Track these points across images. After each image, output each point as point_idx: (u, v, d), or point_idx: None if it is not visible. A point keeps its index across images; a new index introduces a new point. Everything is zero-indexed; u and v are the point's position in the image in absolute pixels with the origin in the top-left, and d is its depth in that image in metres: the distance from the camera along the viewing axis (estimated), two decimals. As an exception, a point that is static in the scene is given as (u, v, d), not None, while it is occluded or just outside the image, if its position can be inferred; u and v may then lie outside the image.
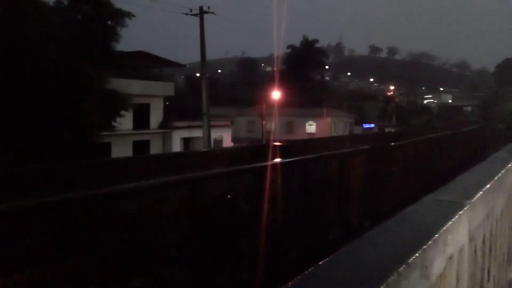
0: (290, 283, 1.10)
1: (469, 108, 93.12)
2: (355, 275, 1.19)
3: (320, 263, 1.24)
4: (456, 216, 1.80)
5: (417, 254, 1.34)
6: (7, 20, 14.92)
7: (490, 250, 2.86)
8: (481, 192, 2.31)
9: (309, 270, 1.18)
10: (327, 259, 1.27)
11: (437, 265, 1.57)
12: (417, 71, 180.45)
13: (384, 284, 1.12)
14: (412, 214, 1.81)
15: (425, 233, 1.53)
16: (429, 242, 1.46)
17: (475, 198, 2.16)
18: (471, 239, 2.17)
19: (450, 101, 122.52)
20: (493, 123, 60.31)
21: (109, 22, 20.68)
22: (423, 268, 1.41)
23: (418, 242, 1.43)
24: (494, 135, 53.41)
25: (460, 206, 1.93)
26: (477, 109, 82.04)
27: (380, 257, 1.32)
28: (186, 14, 24.92)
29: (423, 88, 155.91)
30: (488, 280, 2.81)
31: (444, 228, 1.62)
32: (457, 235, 1.83)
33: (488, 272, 2.82)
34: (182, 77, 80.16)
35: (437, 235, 1.55)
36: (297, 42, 66.85)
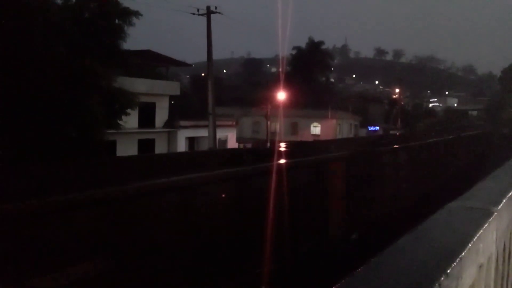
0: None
1: (475, 112, 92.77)
2: (393, 285, 1.15)
3: (355, 271, 1.20)
4: (486, 224, 1.75)
5: (454, 264, 1.30)
6: (14, 17, 14.95)
7: (509, 258, 2.82)
8: (505, 200, 2.27)
9: (344, 280, 1.14)
10: (362, 267, 1.23)
11: (469, 275, 1.53)
12: (423, 75, 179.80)
13: (428, 296, 1.08)
14: (442, 221, 1.77)
15: (459, 241, 1.48)
16: (464, 251, 1.42)
17: (501, 206, 2.12)
18: (497, 247, 2.12)
19: (455, 105, 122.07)
20: (498, 127, 60.04)
21: (116, 21, 20.70)
22: (459, 278, 1.36)
23: (454, 250, 1.39)
24: (499, 139, 53.17)
25: (489, 214, 1.89)
26: (483, 114, 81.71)
27: (418, 265, 1.28)
28: (193, 14, 24.92)
29: (429, 91, 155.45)
30: (508, 288, 2.76)
31: (477, 236, 1.58)
32: (487, 243, 1.79)
33: (507, 281, 2.78)
34: (188, 76, 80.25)
35: (470, 244, 1.50)
36: (302, 43, 66.80)
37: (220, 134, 30.65)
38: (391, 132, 52.08)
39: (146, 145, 28.24)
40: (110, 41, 20.22)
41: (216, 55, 27.66)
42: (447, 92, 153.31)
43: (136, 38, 23.77)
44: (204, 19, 24.72)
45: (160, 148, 29.92)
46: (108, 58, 19.43)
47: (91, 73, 17.20)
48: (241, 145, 37.30)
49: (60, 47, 16.69)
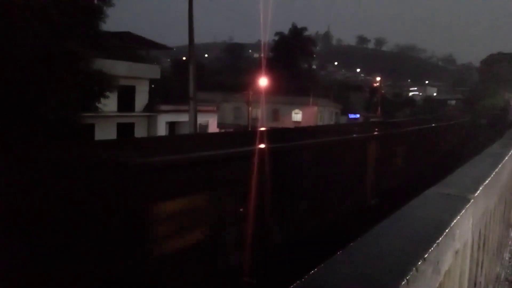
0: (303, 278, 1.05)
1: (453, 102, 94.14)
2: (372, 269, 1.14)
3: (334, 255, 1.19)
4: (463, 211, 1.77)
5: (431, 249, 1.31)
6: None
7: (484, 245, 2.87)
8: (482, 187, 2.30)
9: (324, 263, 1.14)
10: (341, 251, 1.22)
11: (446, 260, 1.54)
12: (404, 64, 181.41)
13: (405, 280, 1.07)
14: (420, 208, 1.78)
15: (437, 227, 1.49)
16: (441, 237, 1.43)
17: (477, 193, 2.14)
18: (473, 233, 2.15)
19: (435, 94, 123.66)
20: (476, 117, 61.12)
21: (95, 1, 20.24)
22: (435, 263, 1.37)
23: (431, 236, 1.40)
24: (477, 129, 54.18)
25: (466, 201, 1.91)
26: (461, 103, 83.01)
27: (396, 250, 1.28)
28: (176, -4, 24.50)
29: (409, 80, 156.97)
30: (481, 274, 2.82)
31: (454, 222, 1.59)
32: (464, 230, 1.81)
33: (481, 267, 2.83)
34: (169, 60, 79.18)
35: (447, 230, 1.51)
36: (285, 29, 66.50)
37: (201, 119, 30.43)
38: (372, 120, 52.56)
39: (125, 129, 27.88)
40: (89, 22, 19.76)
41: (197, 39, 27.33)
42: (427, 82, 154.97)
43: (116, 20, 23.29)
44: (185, 2, 24.32)
45: (140, 132, 29.60)
46: (87, 40, 19.02)
47: (70, 54, 16.83)
48: (222, 131, 37.18)
49: (38, 27, 16.26)
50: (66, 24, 18.02)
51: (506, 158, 3.81)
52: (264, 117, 42.79)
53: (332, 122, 51.14)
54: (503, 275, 4.15)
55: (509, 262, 4.59)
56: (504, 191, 3.79)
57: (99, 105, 20.18)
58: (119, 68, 25.75)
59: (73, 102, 16.90)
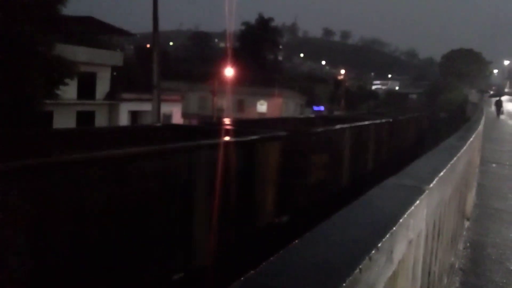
0: (259, 267, 1.04)
1: (414, 96, 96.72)
2: (326, 259, 1.14)
3: (289, 245, 1.18)
4: (418, 201, 1.79)
5: (385, 239, 1.31)
6: None
7: (438, 235, 2.94)
8: (437, 178, 2.35)
9: (279, 253, 1.13)
10: (296, 241, 1.22)
11: (399, 250, 1.56)
12: (368, 57, 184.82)
13: (358, 269, 1.08)
14: (377, 198, 1.79)
15: (391, 217, 1.50)
16: (395, 227, 1.44)
17: (432, 184, 2.18)
18: (427, 224, 2.19)
19: (397, 88, 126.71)
20: (436, 111, 63.01)
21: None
22: (389, 252, 1.39)
23: (385, 226, 1.41)
24: (436, 123, 55.86)
25: (420, 191, 1.94)
26: (422, 97, 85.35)
27: (351, 239, 1.28)
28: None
29: (373, 73, 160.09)
30: (435, 264, 2.89)
31: (408, 212, 1.61)
32: (417, 220, 1.83)
33: (436, 256, 2.90)
34: (132, 47, 77.61)
35: (401, 220, 1.53)
36: (252, 19, 66.34)
37: (165, 109, 30.00)
38: (335, 113, 53.32)
39: (85, 118, 27.20)
40: (49, 5, 19.03)
41: (162, 26, 26.80)
42: (389, 75, 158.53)
43: (77, 4, 22.54)
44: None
45: (101, 121, 28.94)
46: (46, 24, 18.33)
47: (28, 39, 16.21)
48: (186, 121, 36.82)
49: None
50: (25, 7, 17.31)
51: (462, 150, 3.92)
52: (229, 107, 42.66)
53: (296, 114, 51.54)
54: (457, 264, 4.29)
55: (463, 252, 4.75)
56: (459, 182, 3.91)
57: (59, 92, 19.56)
58: (79, 54, 25.03)
59: (31, 88, 16.31)
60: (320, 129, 14.15)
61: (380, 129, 20.17)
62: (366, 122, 18.47)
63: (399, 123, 26.47)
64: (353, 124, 16.75)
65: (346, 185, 15.04)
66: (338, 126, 15.30)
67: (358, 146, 16.52)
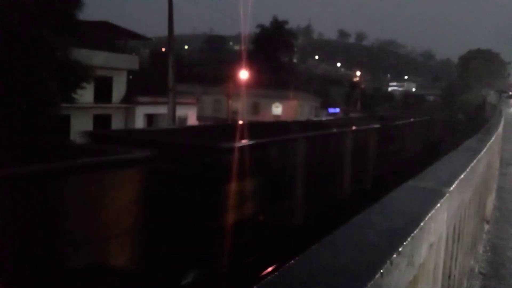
0: (279, 270, 1.04)
1: (432, 97, 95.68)
2: (347, 262, 1.13)
3: (310, 248, 1.17)
4: (438, 204, 1.77)
5: (406, 242, 1.29)
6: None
7: (459, 238, 2.89)
8: (457, 181, 2.31)
9: (300, 255, 1.12)
10: (316, 244, 1.21)
11: (420, 253, 1.53)
12: (384, 58, 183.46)
13: (379, 273, 1.06)
14: (396, 201, 1.77)
15: (412, 220, 1.48)
16: (416, 230, 1.42)
17: (452, 187, 2.15)
18: (447, 227, 2.16)
19: (414, 89, 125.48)
20: (454, 113, 62.25)
21: (72, -11, 19.80)
22: (410, 256, 1.36)
23: (406, 229, 1.39)
24: (455, 124, 55.15)
25: (441, 195, 1.91)
26: (440, 99, 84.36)
27: (371, 243, 1.27)
28: (155, -15, 24.16)
29: (389, 75, 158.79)
30: (455, 267, 2.84)
31: (429, 215, 1.59)
32: (438, 223, 1.80)
33: (456, 260, 2.85)
34: (148, 51, 78.29)
35: (422, 223, 1.50)
36: (267, 22, 66.37)
37: (180, 112, 30.19)
38: (351, 115, 53.01)
39: (102, 121, 27.49)
40: (66, 10, 19.32)
41: (177, 30, 27.05)
42: (406, 77, 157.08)
43: (94, 9, 22.85)
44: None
45: (117, 124, 29.22)
46: (63, 28, 18.61)
47: (45, 43, 16.45)
48: (202, 123, 36.97)
49: (12, 16, 15.84)
50: (42, 13, 17.60)
51: (482, 153, 3.86)
52: (244, 110, 42.73)
53: (312, 116, 51.38)
54: (476, 268, 4.22)
55: (483, 255, 4.67)
56: (479, 185, 3.84)
57: (76, 96, 19.81)
58: (96, 58, 25.31)
59: (47, 92, 16.54)
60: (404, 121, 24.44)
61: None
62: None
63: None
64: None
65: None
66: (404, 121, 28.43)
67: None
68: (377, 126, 19.66)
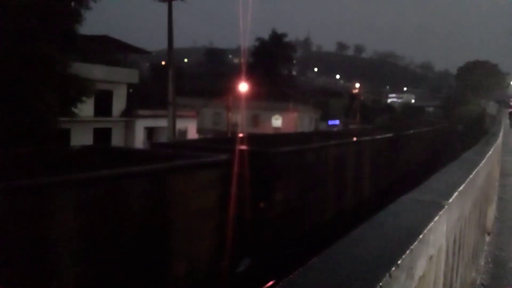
0: (279, 285, 1.04)
1: (431, 109, 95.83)
2: (347, 275, 1.13)
3: (309, 262, 1.18)
4: (437, 217, 1.77)
5: (404, 255, 1.29)
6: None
7: (459, 250, 2.88)
8: (456, 193, 2.31)
9: (298, 270, 1.12)
10: (315, 258, 1.21)
11: (420, 266, 1.53)
12: (383, 70, 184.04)
13: (378, 286, 1.06)
14: (394, 214, 1.77)
15: (410, 233, 1.48)
16: (415, 243, 1.42)
17: (452, 199, 2.15)
18: (447, 239, 2.15)
19: (413, 101, 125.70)
20: (453, 124, 62.32)
21: (72, 4, 19.95)
22: (409, 268, 1.36)
23: (405, 242, 1.38)
24: (454, 136, 55.16)
25: (440, 207, 1.91)
26: (439, 110, 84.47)
27: (370, 256, 1.27)
28: None
29: (388, 87, 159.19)
30: (457, 280, 2.83)
31: (428, 228, 1.58)
32: (437, 236, 1.80)
33: (457, 272, 2.84)
34: (147, 64, 78.68)
35: (421, 236, 1.50)
36: (266, 35, 66.81)
37: (180, 125, 30.26)
38: (350, 127, 53.10)
39: (102, 135, 27.50)
40: (66, 25, 19.45)
41: (177, 43, 27.23)
42: (405, 88, 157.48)
43: (94, 23, 23.02)
44: (165, 5, 24.24)
45: (117, 138, 29.23)
46: (63, 43, 18.73)
47: (46, 57, 16.54)
48: (201, 136, 36.99)
49: (13, 30, 15.94)
50: (42, 27, 17.72)
51: (481, 164, 3.86)
52: (244, 122, 42.77)
53: (311, 128, 51.43)
54: (478, 280, 4.19)
55: (485, 267, 4.64)
56: (479, 197, 3.83)
57: (75, 110, 19.86)
58: (96, 72, 25.44)
59: (49, 106, 16.58)
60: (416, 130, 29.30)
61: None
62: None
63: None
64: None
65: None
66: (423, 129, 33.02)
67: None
68: (389, 135, 27.39)
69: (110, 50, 33.55)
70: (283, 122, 49.92)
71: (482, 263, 4.71)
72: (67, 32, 19.43)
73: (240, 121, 43.01)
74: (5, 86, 15.17)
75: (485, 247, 5.25)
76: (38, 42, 16.33)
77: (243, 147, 14.44)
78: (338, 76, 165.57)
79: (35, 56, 16.04)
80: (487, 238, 5.60)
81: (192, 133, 36.11)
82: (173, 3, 24.12)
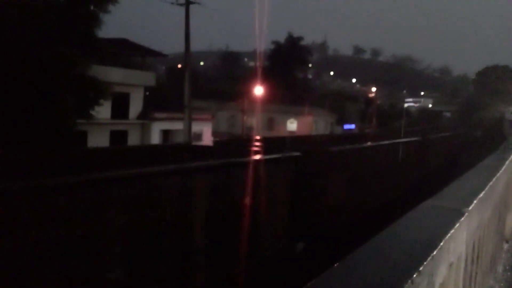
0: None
1: (449, 114, 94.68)
2: (367, 283, 1.14)
3: (331, 268, 1.19)
4: (458, 224, 1.76)
5: (426, 262, 1.30)
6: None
7: (478, 258, 2.86)
8: (476, 200, 2.29)
9: (318, 277, 1.13)
10: (336, 265, 1.22)
11: (440, 273, 1.53)
12: (400, 74, 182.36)
13: (400, 293, 1.07)
14: (415, 220, 1.77)
15: (431, 240, 1.49)
16: (436, 250, 1.42)
17: (472, 206, 2.14)
18: (467, 246, 2.14)
19: (430, 105, 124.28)
20: (471, 129, 61.47)
21: (91, 7, 20.24)
22: (430, 275, 1.37)
23: (426, 249, 1.39)
24: (471, 141, 54.41)
25: (460, 214, 1.90)
26: (457, 115, 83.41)
27: (392, 263, 1.27)
28: (172, 3, 24.59)
29: (405, 91, 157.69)
30: (475, 287, 2.80)
31: (448, 235, 1.59)
32: (458, 243, 1.80)
33: (475, 280, 2.82)
34: (164, 67, 79.27)
35: (442, 243, 1.51)
36: (282, 38, 66.82)
37: (196, 127, 30.39)
38: (366, 131, 52.75)
39: (118, 137, 27.77)
40: (85, 28, 19.74)
41: (193, 47, 27.39)
42: (422, 93, 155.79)
43: (112, 27, 23.32)
44: (182, 9, 24.42)
45: (133, 140, 29.49)
46: (82, 46, 19.00)
47: (65, 60, 16.79)
48: (217, 139, 37.12)
49: (33, 34, 16.22)
50: (62, 31, 18.01)
51: (501, 171, 3.82)
52: (259, 126, 42.82)
53: (327, 132, 51.23)
54: None
55: (503, 275, 4.58)
56: (498, 204, 3.79)
57: (93, 112, 20.11)
58: (114, 75, 25.73)
59: (67, 109, 16.83)
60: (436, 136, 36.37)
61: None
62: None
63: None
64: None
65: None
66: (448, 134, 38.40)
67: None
68: (417, 139, 31.67)
69: (128, 53, 33.91)
70: (298, 126, 49.79)
71: (500, 271, 4.65)
72: (87, 36, 19.72)
73: (255, 124, 43.07)
74: (25, 88, 15.43)
75: (503, 255, 5.18)
76: (59, 45, 16.59)
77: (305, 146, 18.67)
78: (354, 80, 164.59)
79: (55, 59, 16.31)
80: (505, 246, 5.52)
81: (208, 136, 36.25)
82: (190, 6, 24.30)
